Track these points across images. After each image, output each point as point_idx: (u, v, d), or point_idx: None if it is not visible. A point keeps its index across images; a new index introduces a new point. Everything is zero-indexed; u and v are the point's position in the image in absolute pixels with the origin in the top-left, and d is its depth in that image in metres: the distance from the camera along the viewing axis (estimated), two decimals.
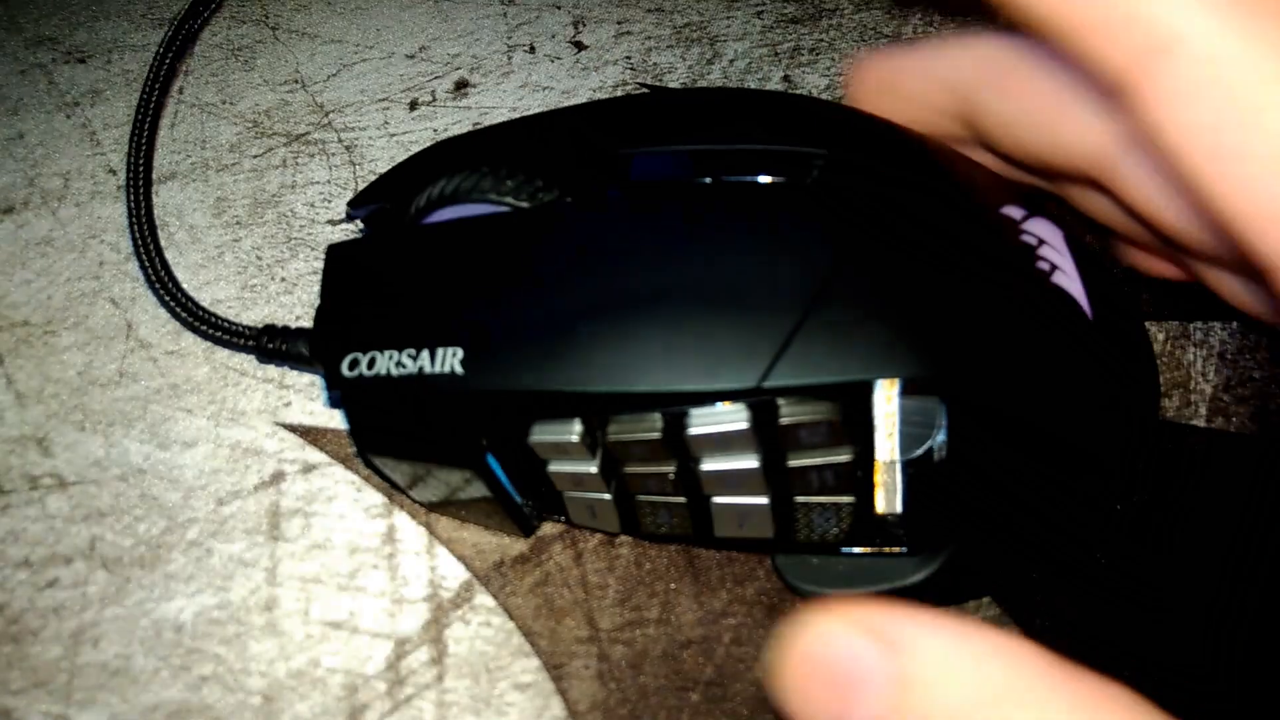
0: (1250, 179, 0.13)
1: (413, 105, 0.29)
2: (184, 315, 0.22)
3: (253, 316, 0.24)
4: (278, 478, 0.21)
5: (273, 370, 0.23)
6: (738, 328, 0.16)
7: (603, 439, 0.17)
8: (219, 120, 0.29)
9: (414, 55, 0.31)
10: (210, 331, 0.22)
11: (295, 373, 0.23)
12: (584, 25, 0.32)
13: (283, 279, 0.25)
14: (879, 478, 0.17)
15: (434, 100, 0.29)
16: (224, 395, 0.22)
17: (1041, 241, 0.18)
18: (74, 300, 0.24)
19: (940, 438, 0.17)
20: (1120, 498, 0.19)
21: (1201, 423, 0.21)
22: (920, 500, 0.17)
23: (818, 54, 0.31)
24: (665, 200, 0.18)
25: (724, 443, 0.16)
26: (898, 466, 0.17)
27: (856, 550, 0.18)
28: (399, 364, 0.17)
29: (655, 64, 0.30)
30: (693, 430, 0.16)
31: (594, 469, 0.17)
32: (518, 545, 0.20)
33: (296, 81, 0.30)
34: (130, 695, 0.18)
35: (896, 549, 0.18)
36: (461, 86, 0.30)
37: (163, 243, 0.25)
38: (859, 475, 0.17)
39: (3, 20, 0.33)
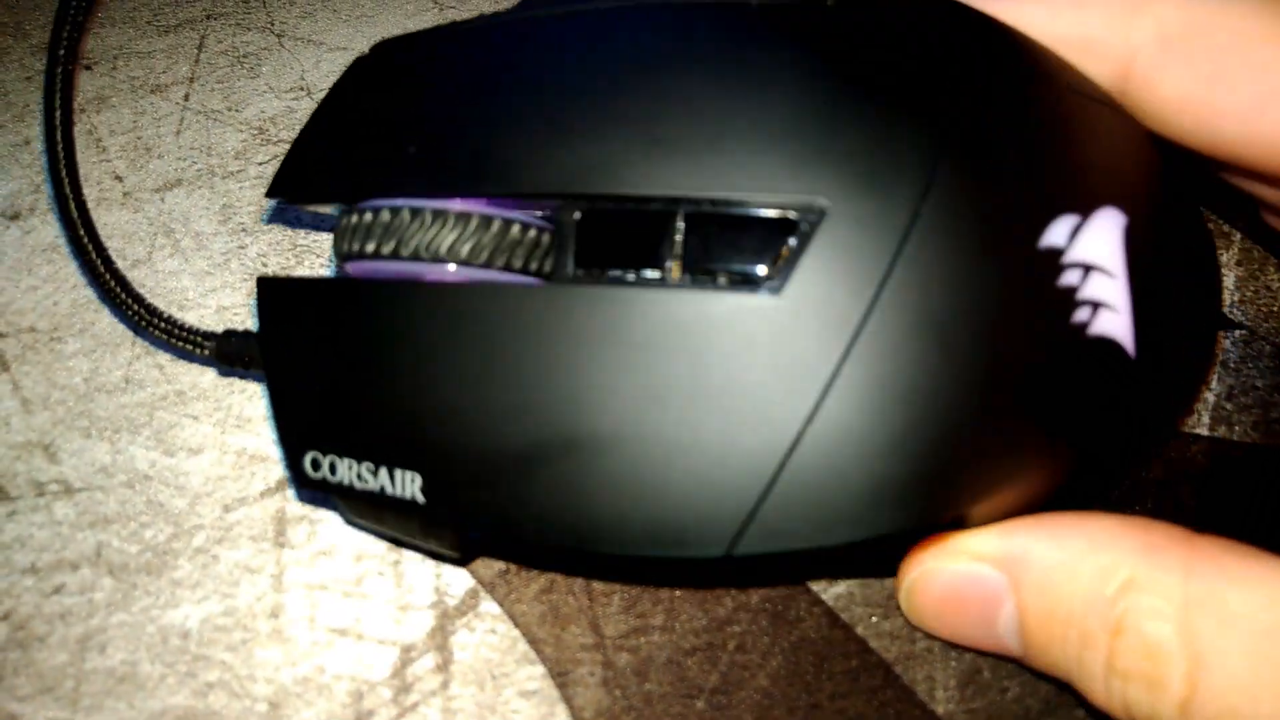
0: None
1: None
2: (135, 318, 0.21)
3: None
4: (283, 485, 0.21)
5: None
6: (716, 486, 0.14)
7: None
8: (225, 127, 0.29)
9: None
10: (163, 337, 0.21)
11: None
12: None
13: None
14: None
15: None
16: (229, 402, 0.22)
17: (1086, 270, 0.15)
18: (79, 307, 0.24)
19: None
20: None
21: (1204, 431, 0.21)
22: None
23: None
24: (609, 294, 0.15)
25: None
26: None
27: None
28: (359, 476, 0.16)
29: None
30: None
31: None
32: None
33: (302, 89, 0.30)
34: (137, 701, 0.18)
35: None
36: None
37: (168, 250, 0.26)
38: None
39: (9, 26, 0.33)
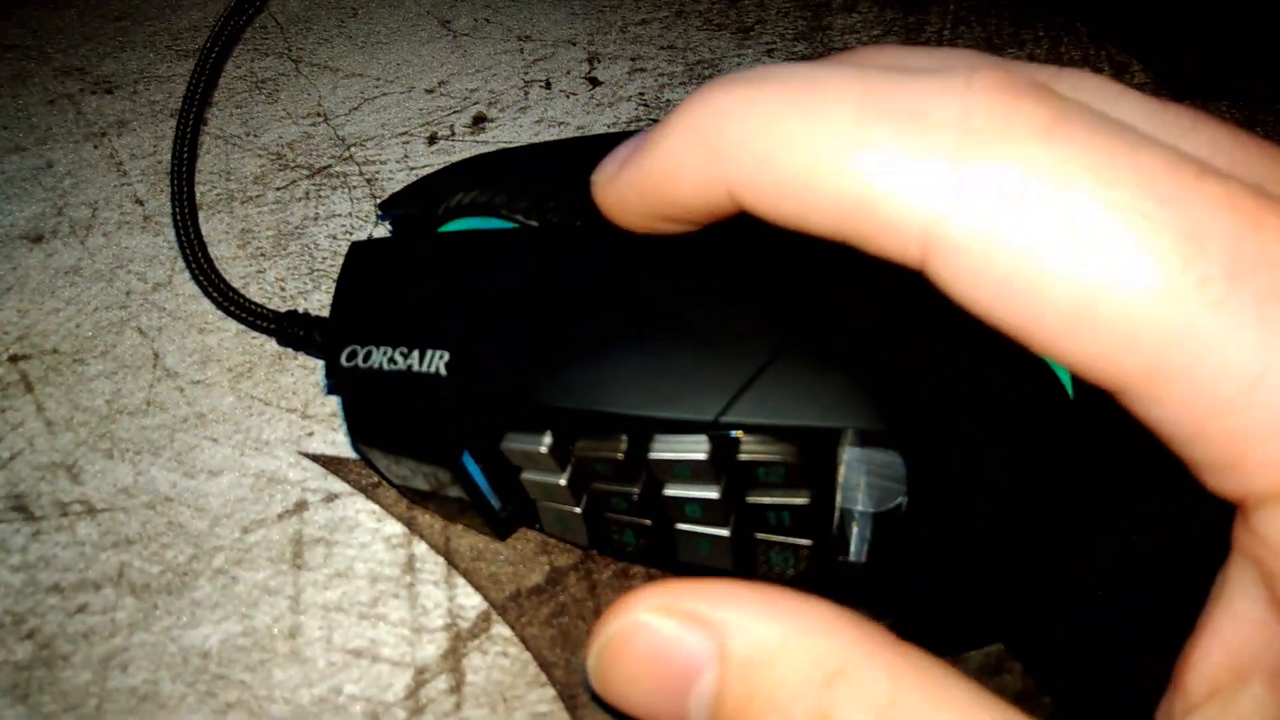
0: (1050, 334, 0.13)
1: (432, 139, 0.30)
2: (215, 294, 0.24)
3: (275, 347, 0.24)
4: (301, 507, 0.21)
5: (296, 400, 0.23)
6: (707, 363, 0.16)
7: (572, 454, 0.18)
8: (243, 152, 0.29)
9: (433, 90, 0.32)
10: (238, 312, 0.24)
11: (318, 403, 0.23)
12: (598, 61, 0.33)
13: (305, 311, 0.25)
14: (841, 526, 0.18)
15: (452, 134, 0.30)
16: (248, 425, 0.23)
17: None
18: (102, 329, 0.25)
19: (900, 496, 0.17)
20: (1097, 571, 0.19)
21: None
22: (880, 555, 0.18)
23: None
24: (659, 237, 0.18)
25: (684, 470, 0.17)
26: (857, 518, 0.18)
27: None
28: (391, 360, 0.18)
29: (668, 100, 0.31)
30: (654, 454, 0.17)
31: (563, 481, 0.18)
32: (534, 576, 0.20)
33: (319, 114, 0.31)
34: None
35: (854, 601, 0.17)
36: (479, 121, 0.30)
37: (188, 274, 0.26)
38: (819, 520, 0.17)
39: (32, 51, 0.34)
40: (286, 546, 0.21)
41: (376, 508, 0.21)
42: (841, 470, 0.17)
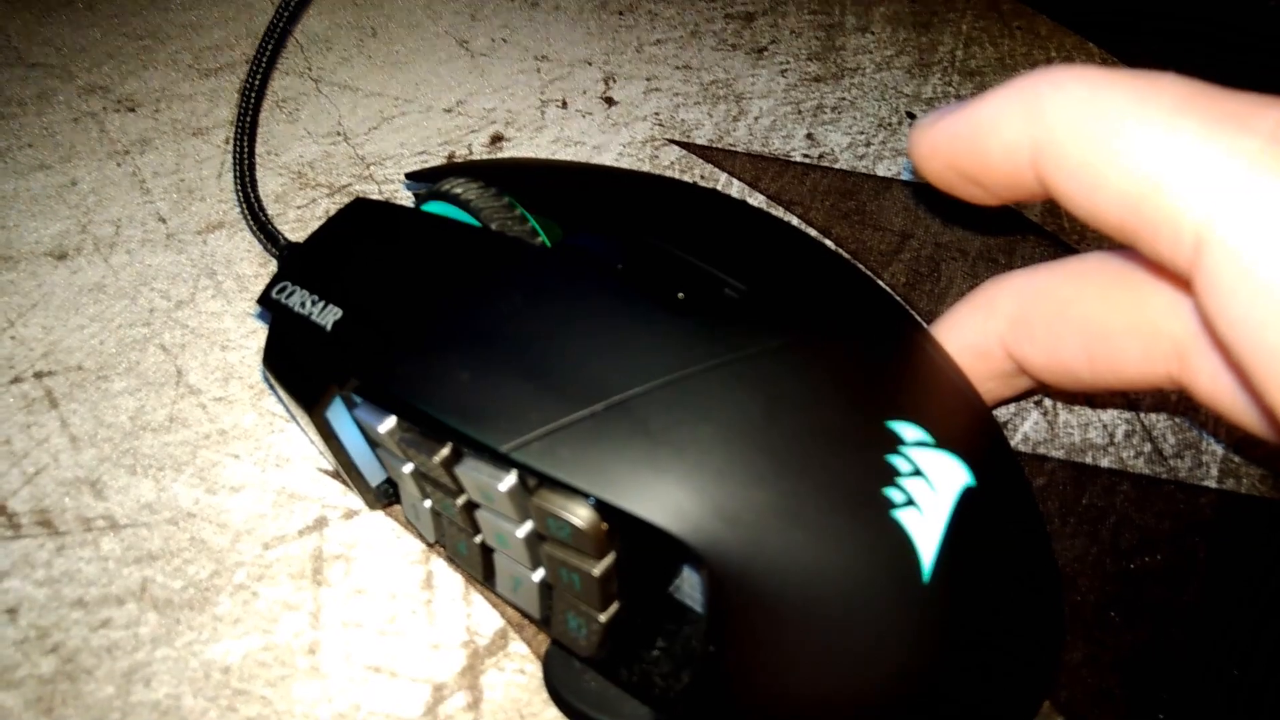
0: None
1: (450, 158, 0.30)
2: (249, 212, 0.26)
3: None
4: (321, 523, 0.22)
5: None
6: (534, 395, 0.16)
7: (404, 446, 0.18)
8: (265, 171, 0.30)
9: (451, 109, 0.32)
10: (259, 232, 0.26)
11: None
12: (614, 81, 0.33)
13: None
14: (635, 619, 0.17)
15: (470, 153, 0.30)
16: (270, 441, 0.23)
17: (916, 472, 0.15)
18: (125, 346, 0.25)
19: (698, 616, 0.17)
20: None
21: (1213, 484, 0.22)
22: (682, 665, 0.17)
23: (839, 112, 0.32)
24: (566, 268, 0.18)
25: (488, 495, 0.17)
26: (656, 616, 0.18)
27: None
28: (301, 304, 0.19)
29: (683, 120, 0.32)
30: (460, 468, 0.17)
31: (408, 469, 0.19)
32: None
33: (339, 134, 0.31)
34: None
35: (643, 701, 0.17)
36: (497, 140, 0.31)
37: (210, 291, 0.27)
38: (617, 598, 0.16)
39: (56, 69, 0.34)
40: (307, 563, 0.21)
41: (395, 525, 0.22)
42: (651, 562, 0.17)
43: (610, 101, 0.32)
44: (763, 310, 0.17)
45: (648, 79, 0.33)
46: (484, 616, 0.20)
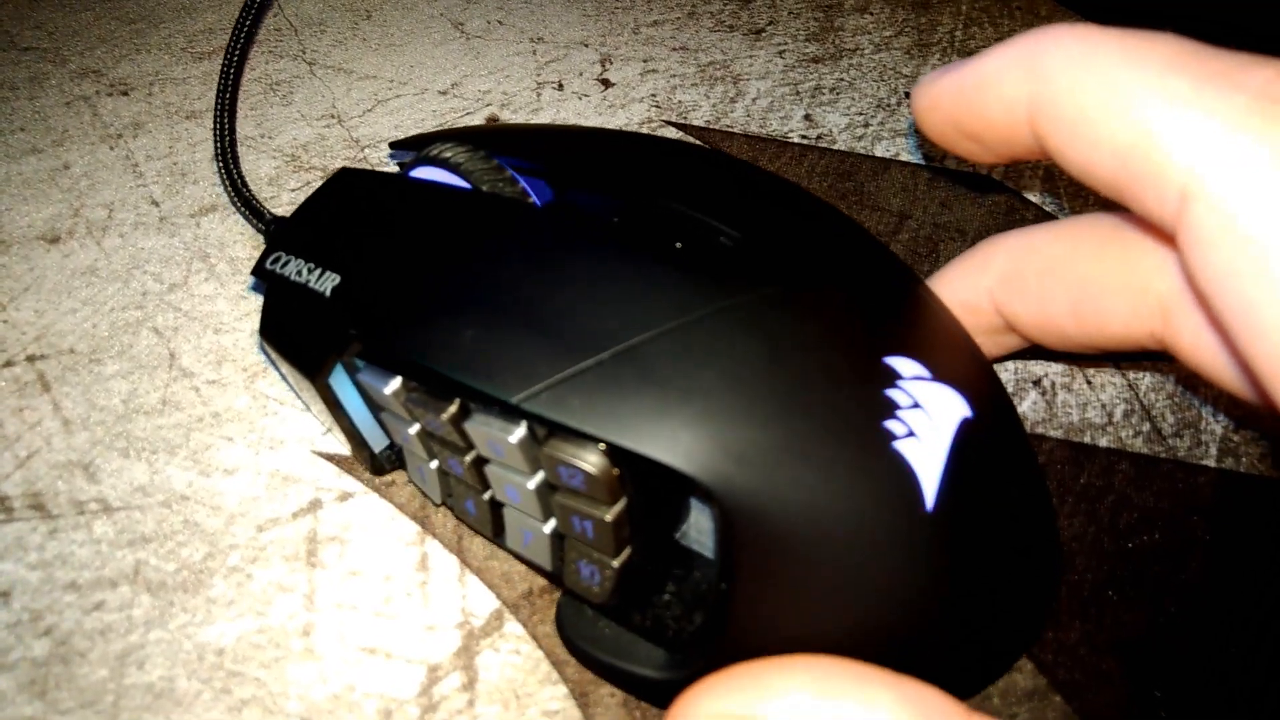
0: (1267, 327, 0.12)
1: None
2: (229, 185, 0.26)
3: None
4: (315, 505, 0.22)
5: None
6: (541, 347, 0.16)
7: (410, 406, 0.18)
8: (258, 154, 0.30)
9: (446, 91, 0.32)
10: (244, 207, 0.26)
11: None
12: (611, 63, 0.33)
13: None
14: (647, 563, 0.17)
15: None
16: (263, 424, 0.23)
17: (915, 405, 0.16)
18: (118, 329, 0.25)
19: (708, 555, 0.17)
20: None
21: (1212, 463, 0.22)
22: (694, 607, 0.17)
23: (838, 93, 0.32)
24: (562, 224, 0.18)
25: (497, 449, 0.17)
26: (689, 558, 0.18)
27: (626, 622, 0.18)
28: (297, 272, 0.20)
29: (680, 101, 0.31)
30: (469, 423, 0.17)
31: (413, 430, 0.19)
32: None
33: (333, 116, 0.31)
34: (174, 717, 0.19)
35: (657, 643, 0.17)
36: (492, 122, 0.31)
37: (203, 274, 0.26)
38: (629, 543, 0.16)
39: (49, 53, 0.34)
40: (301, 545, 0.21)
41: (390, 507, 0.22)
42: (661, 504, 0.17)
43: (607, 83, 0.32)
44: (758, 257, 0.17)
45: (645, 60, 0.33)
46: (479, 598, 0.20)
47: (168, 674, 0.19)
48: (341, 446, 0.23)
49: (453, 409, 0.17)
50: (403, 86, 0.32)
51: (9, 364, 0.24)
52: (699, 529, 0.18)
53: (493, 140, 0.22)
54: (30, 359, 0.25)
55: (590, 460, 0.15)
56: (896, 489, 0.15)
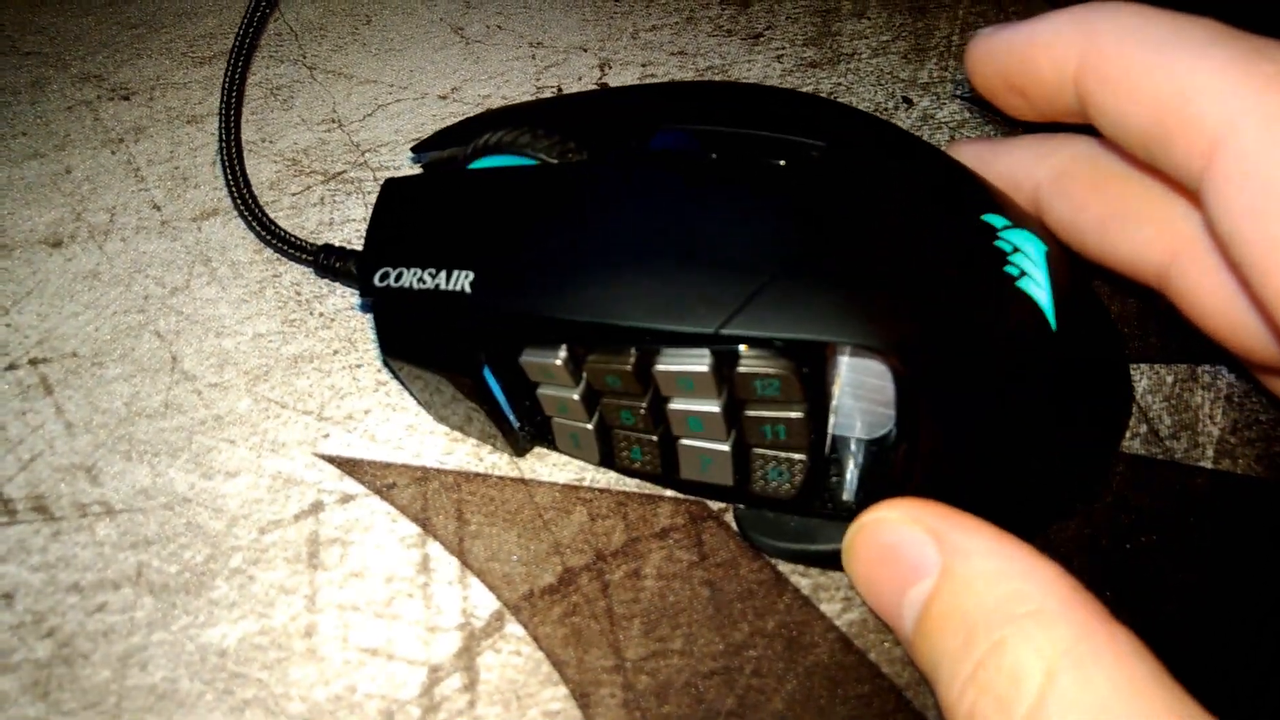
0: None
1: None
2: (259, 229, 0.26)
3: (292, 350, 0.25)
4: (317, 507, 0.22)
5: (312, 403, 0.24)
6: (711, 280, 0.17)
7: (585, 368, 0.19)
8: (259, 158, 0.30)
9: (446, 96, 0.32)
10: (281, 246, 0.26)
11: (333, 405, 0.24)
12: (609, 67, 0.33)
13: (321, 314, 0.26)
14: (833, 447, 0.19)
15: None
16: (265, 427, 0.23)
17: (1016, 249, 0.18)
18: (120, 333, 0.25)
19: (889, 424, 0.19)
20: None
21: (1209, 465, 0.22)
22: (871, 477, 0.19)
23: (836, 97, 0.32)
24: (670, 168, 0.19)
25: (687, 383, 0.18)
26: (851, 440, 0.19)
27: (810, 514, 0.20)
28: (420, 279, 0.20)
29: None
30: (659, 367, 0.18)
31: (576, 395, 0.19)
32: (546, 576, 0.20)
33: (333, 121, 0.31)
34: (177, 718, 0.19)
35: (845, 518, 0.19)
36: None
37: (205, 278, 0.26)
38: (812, 436, 0.18)
39: (50, 57, 0.34)
40: (303, 547, 0.21)
41: (391, 509, 0.22)
42: (835, 389, 0.18)
43: (605, 88, 0.32)
44: (849, 159, 0.19)
45: (643, 65, 0.33)
46: (480, 599, 0.20)
47: (170, 675, 0.19)
48: (345, 451, 0.23)
49: (633, 359, 0.18)
50: (403, 91, 0.32)
51: (12, 367, 0.25)
52: (847, 413, 0.19)
53: (530, 116, 0.23)
54: (33, 362, 0.25)
55: (785, 366, 0.17)
56: (1031, 320, 0.18)
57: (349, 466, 0.22)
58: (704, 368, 0.18)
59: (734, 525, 0.21)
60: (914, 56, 0.33)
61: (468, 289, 0.19)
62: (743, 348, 0.18)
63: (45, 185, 0.29)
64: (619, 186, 0.19)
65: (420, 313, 0.20)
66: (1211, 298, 0.18)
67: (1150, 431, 0.23)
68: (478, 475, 0.22)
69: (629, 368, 0.18)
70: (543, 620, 0.20)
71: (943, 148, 0.22)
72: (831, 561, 0.19)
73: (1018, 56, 0.19)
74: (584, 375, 0.19)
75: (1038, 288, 0.18)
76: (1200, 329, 0.19)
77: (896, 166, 0.19)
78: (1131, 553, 0.21)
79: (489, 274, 0.19)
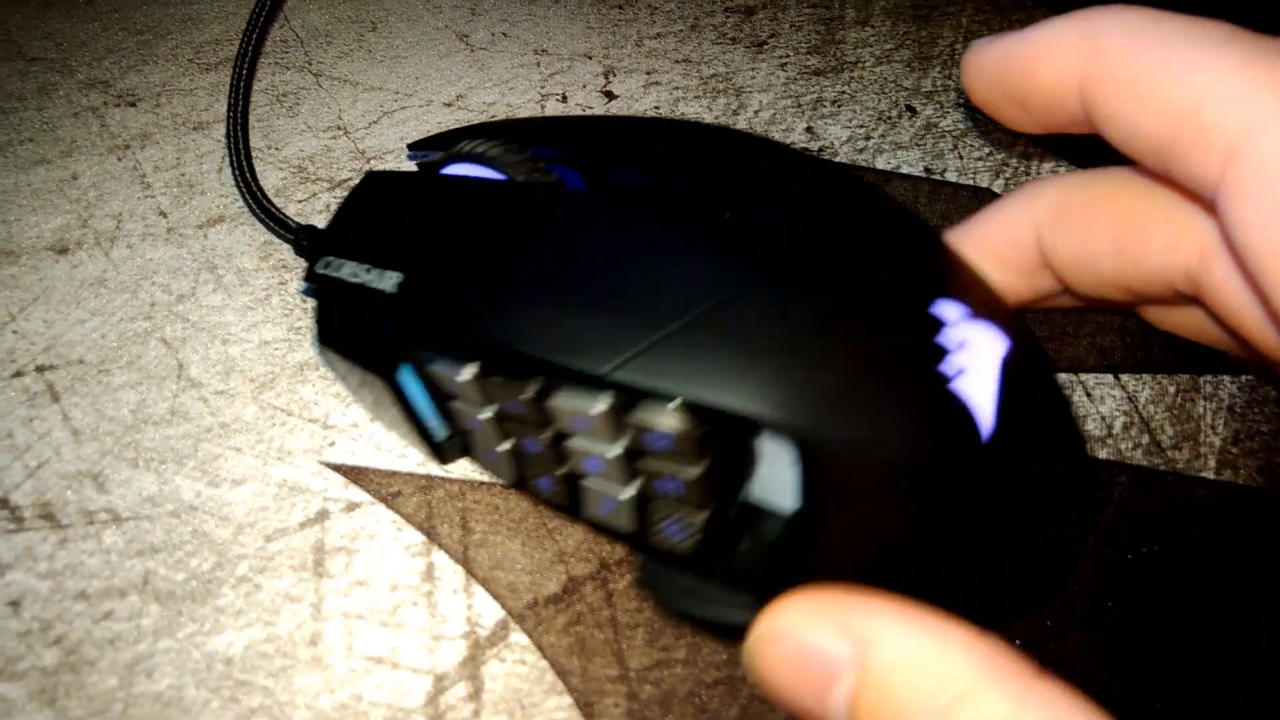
0: None
1: None
2: (249, 199, 0.27)
3: (298, 358, 0.25)
4: (322, 516, 0.22)
5: (317, 411, 0.24)
6: (618, 322, 0.17)
7: (488, 389, 0.18)
8: (265, 165, 0.30)
9: (451, 103, 0.32)
10: (268, 219, 0.27)
11: (339, 413, 0.24)
12: (614, 75, 0.33)
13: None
14: (741, 511, 0.18)
15: None
16: (271, 435, 0.23)
17: (963, 345, 0.17)
18: (127, 340, 0.25)
19: (791, 499, 0.17)
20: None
21: (1210, 475, 0.22)
22: (780, 548, 0.18)
23: (839, 105, 0.32)
24: (619, 204, 0.19)
25: (583, 423, 0.17)
26: (759, 508, 0.18)
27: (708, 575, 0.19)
28: (354, 273, 0.20)
29: (683, 114, 0.32)
30: (554, 400, 0.17)
31: (487, 415, 0.19)
32: (551, 585, 0.21)
33: (339, 128, 0.31)
34: None
35: (743, 588, 0.18)
36: None
37: (211, 285, 0.27)
38: (712, 497, 0.18)
39: (57, 64, 0.34)
40: (308, 555, 0.21)
41: (396, 517, 0.22)
42: (753, 452, 0.18)
43: (610, 95, 0.32)
44: (803, 221, 0.19)
45: (648, 73, 0.33)
46: (485, 608, 0.20)
47: (176, 683, 0.19)
48: (350, 459, 0.23)
49: (533, 388, 0.18)
50: (408, 98, 0.32)
51: (19, 374, 0.25)
52: (764, 484, 0.19)
53: (516, 132, 0.23)
54: (39, 369, 0.25)
55: (677, 423, 0.16)
56: (956, 425, 0.17)
57: (354, 474, 0.23)
58: (600, 408, 0.17)
59: None
60: (917, 65, 0.33)
61: (392, 289, 0.19)
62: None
63: (52, 191, 0.29)
64: (564, 214, 0.19)
65: (348, 305, 0.20)
66: (1248, 293, 0.17)
67: (1152, 442, 0.23)
68: (483, 484, 0.22)
69: (527, 397, 0.18)
70: (547, 629, 0.20)
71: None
72: (731, 635, 0.18)
73: (1016, 66, 0.18)
74: (491, 397, 0.19)
75: (980, 389, 0.17)
76: (1237, 331, 0.18)
77: (855, 239, 0.18)
78: (1134, 563, 0.21)
79: (414, 278, 0.19)
